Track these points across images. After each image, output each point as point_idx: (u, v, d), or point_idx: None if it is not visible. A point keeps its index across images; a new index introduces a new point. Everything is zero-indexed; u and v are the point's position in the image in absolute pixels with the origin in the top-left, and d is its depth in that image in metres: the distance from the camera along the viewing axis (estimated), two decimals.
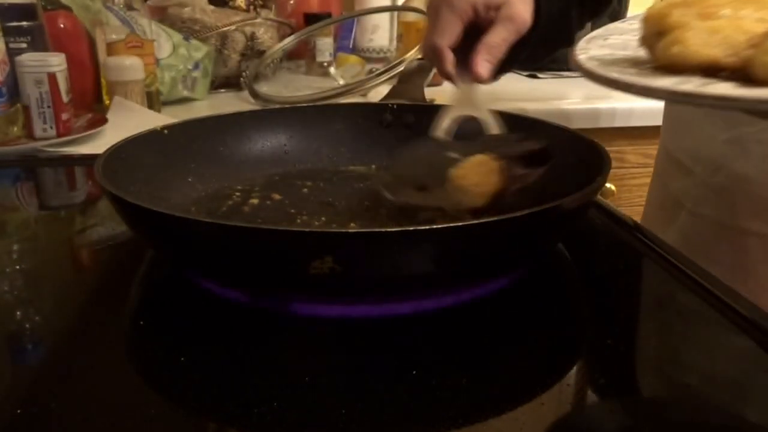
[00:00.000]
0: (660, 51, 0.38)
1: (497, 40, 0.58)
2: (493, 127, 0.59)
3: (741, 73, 0.35)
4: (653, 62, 0.39)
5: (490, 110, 0.59)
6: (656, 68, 0.38)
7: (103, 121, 0.95)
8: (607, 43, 0.46)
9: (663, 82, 0.36)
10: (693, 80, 0.36)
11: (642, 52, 0.41)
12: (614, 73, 0.39)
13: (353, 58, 1.36)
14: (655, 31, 0.39)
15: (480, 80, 0.59)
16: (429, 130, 0.60)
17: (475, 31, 0.60)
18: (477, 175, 0.52)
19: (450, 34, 0.59)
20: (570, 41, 0.71)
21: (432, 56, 0.61)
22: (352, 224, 0.54)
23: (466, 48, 0.59)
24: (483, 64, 0.58)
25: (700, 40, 0.36)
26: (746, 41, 0.36)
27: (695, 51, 0.36)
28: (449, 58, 0.59)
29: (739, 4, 0.37)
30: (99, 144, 0.89)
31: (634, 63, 0.41)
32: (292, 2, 1.44)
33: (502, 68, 0.61)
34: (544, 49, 0.68)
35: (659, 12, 0.38)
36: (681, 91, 0.34)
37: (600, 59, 0.43)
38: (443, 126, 0.60)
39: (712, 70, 0.36)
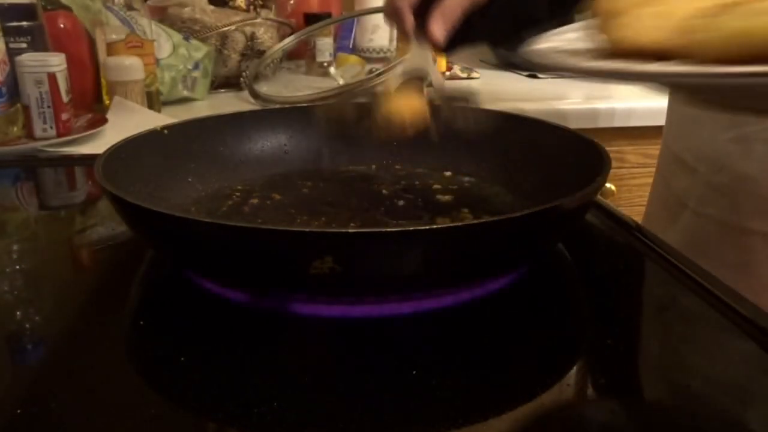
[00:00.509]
0: (610, 35, 0.38)
1: (452, 5, 0.59)
2: (438, 82, 0.61)
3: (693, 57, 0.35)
4: (603, 42, 0.39)
5: (440, 73, 0.62)
6: (610, 54, 0.38)
7: (103, 121, 0.95)
8: (559, 39, 0.46)
9: (617, 65, 0.36)
10: (646, 64, 0.35)
11: (597, 43, 0.41)
12: (568, 60, 0.39)
13: (353, 58, 1.36)
14: (606, 14, 0.38)
15: (435, 43, 0.60)
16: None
17: None
18: (401, 95, 0.57)
19: None
20: (536, 22, 0.71)
21: (392, 16, 0.62)
22: (352, 224, 0.54)
23: (425, 13, 0.61)
24: (437, 29, 0.59)
25: (650, 23, 0.36)
26: (690, 24, 0.35)
27: (643, 35, 0.36)
28: (408, 20, 0.60)
29: None
30: (99, 144, 0.89)
31: (585, 52, 0.41)
32: (292, 2, 1.44)
33: (462, 39, 0.63)
34: (506, 25, 0.69)
35: (605, 3, 0.38)
36: (637, 71, 0.34)
37: (553, 49, 0.43)
38: (396, 83, 0.61)
39: (664, 55, 0.36)
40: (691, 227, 0.66)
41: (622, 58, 0.37)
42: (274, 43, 1.28)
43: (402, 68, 0.62)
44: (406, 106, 0.57)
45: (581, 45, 0.43)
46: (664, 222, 0.70)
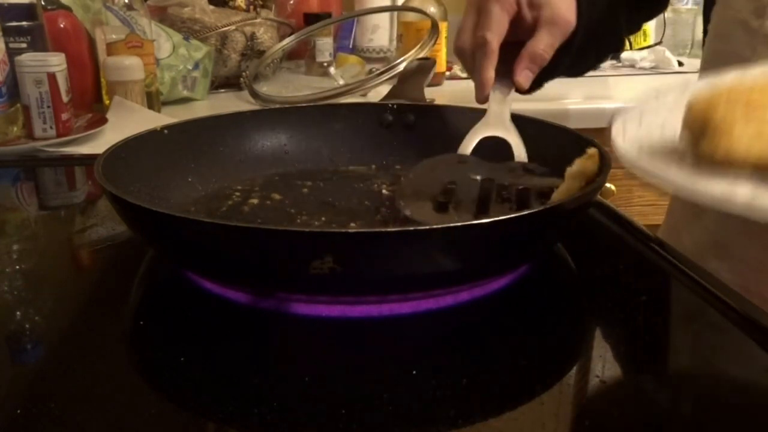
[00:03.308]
0: (705, 151, 0.37)
1: (542, 47, 0.54)
2: (520, 153, 0.56)
3: None
4: (695, 153, 0.38)
5: (518, 134, 0.56)
6: (699, 161, 0.37)
7: (103, 121, 0.95)
8: (643, 123, 0.44)
9: (712, 187, 0.35)
10: (742, 185, 0.35)
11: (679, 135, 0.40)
12: (660, 170, 0.37)
13: (353, 58, 1.37)
14: (698, 126, 0.37)
15: (519, 90, 0.56)
16: (457, 148, 0.57)
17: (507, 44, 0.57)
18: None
19: (499, 27, 0.54)
20: (619, 46, 0.65)
21: (477, 55, 0.55)
22: (352, 224, 0.54)
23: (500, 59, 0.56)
24: (524, 73, 0.54)
25: (746, 143, 0.35)
26: None
27: (741, 156, 0.35)
28: (495, 57, 0.54)
29: None
30: (99, 144, 0.89)
31: (674, 152, 0.39)
32: (292, 2, 1.44)
33: (544, 77, 0.58)
34: (589, 55, 0.64)
35: (703, 109, 0.37)
36: (734, 202, 0.33)
37: (639, 143, 0.41)
38: (471, 144, 0.57)
39: (756, 168, 0.35)
40: (714, 225, 0.64)
41: (716, 170, 0.36)
42: (274, 43, 1.28)
43: (477, 127, 0.57)
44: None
45: (658, 135, 0.41)
46: (687, 219, 0.69)
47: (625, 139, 0.42)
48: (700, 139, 0.37)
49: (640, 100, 0.47)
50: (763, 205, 0.33)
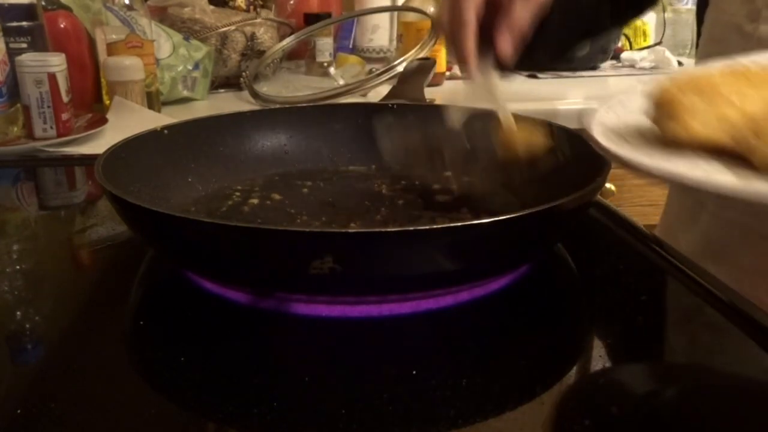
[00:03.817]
0: (667, 133, 0.39)
1: (517, 13, 0.54)
2: (511, 123, 0.56)
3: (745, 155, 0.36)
4: (663, 135, 0.40)
5: (508, 105, 0.56)
6: (663, 141, 0.39)
7: (103, 121, 0.95)
8: (627, 108, 0.46)
9: (669, 166, 0.37)
10: (699, 163, 0.37)
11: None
12: (621, 150, 0.39)
13: (353, 58, 1.36)
14: (666, 108, 0.39)
15: (503, 59, 0.55)
16: (444, 121, 0.57)
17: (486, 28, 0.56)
18: (525, 130, 0.52)
19: (474, 1, 0.54)
20: (600, 29, 0.65)
21: (455, 28, 0.55)
22: (352, 224, 0.54)
23: (481, 38, 0.56)
24: (504, 40, 0.54)
25: (706, 125, 0.37)
26: (750, 128, 0.37)
27: (702, 137, 0.37)
28: (473, 31, 0.54)
29: (746, 87, 0.38)
30: (99, 144, 0.89)
31: (641, 133, 0.41)
32: (292, 2, 1.44)
33: (525, 61, 0.58)
34: (570, 39, 0.64)
35: (671, 93, 0.39)
36: (690, 178, 0.36)
37: (610, 127, 0.42)
38: (458, 117, 0.57)
39: (716, 151, 0.38)
40: (709, 229, 0.64)
41: (677, 148, 0.38)
42: (274, 43, 1.28)
43: (463, 99, 0.57)
44: (524, 140, 0.52)
45: (632, 118, 0.43)
46: (682, 222, 0.68)
47: (602, 122, 0.43)
48: (667, 121, 0.39)
49: (629, 87, 0.49)
50: (715, 181, 0.35)
